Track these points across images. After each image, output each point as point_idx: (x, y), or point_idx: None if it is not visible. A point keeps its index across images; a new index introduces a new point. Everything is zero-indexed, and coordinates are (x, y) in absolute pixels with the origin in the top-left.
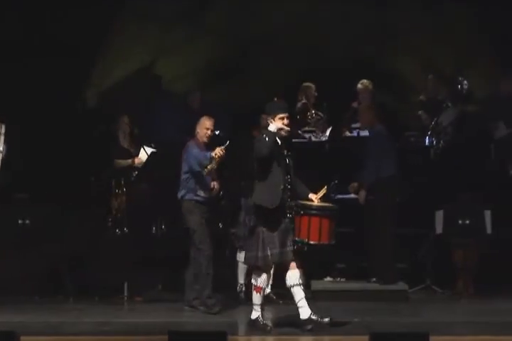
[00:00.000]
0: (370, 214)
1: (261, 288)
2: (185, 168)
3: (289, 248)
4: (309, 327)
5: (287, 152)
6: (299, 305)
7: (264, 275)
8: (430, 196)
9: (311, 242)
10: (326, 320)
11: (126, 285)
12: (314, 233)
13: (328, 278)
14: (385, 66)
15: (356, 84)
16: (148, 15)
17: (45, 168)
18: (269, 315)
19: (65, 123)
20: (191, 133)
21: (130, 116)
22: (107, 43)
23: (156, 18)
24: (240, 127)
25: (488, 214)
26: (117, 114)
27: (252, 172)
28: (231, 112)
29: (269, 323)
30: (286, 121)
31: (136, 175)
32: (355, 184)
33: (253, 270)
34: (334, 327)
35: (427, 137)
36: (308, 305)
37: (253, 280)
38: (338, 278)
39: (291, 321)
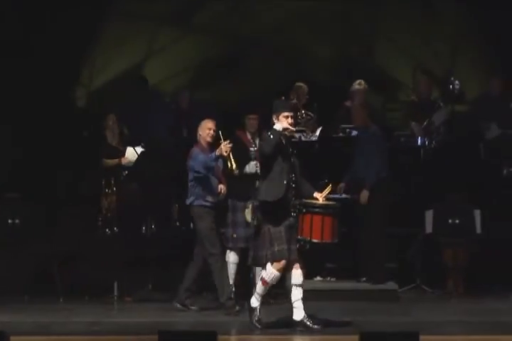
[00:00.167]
0: (363, 214)
1: (267, 283)
2: (191, 175)
3: (295, 246)
4: (300, 329)
5: (292, 151)
6: (294, 305)
7: (275, 272)
8: (420, 196)
9: (314, 241)
10: (317, 327)
11: (116, 284)
12: (317, 231)
13: (318, 278)
14: (374, 65)
15: (344, 83)
16: (138, 15)
17: (35, 168)
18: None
19: (55, 123)
20: (180, 132)
21: (117, 115)
22: (96, 43)
23: (145, 18)
24: (228, 127)
25: (477, 213)
26: (106, 113)
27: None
28: (220, 112)
29: (260, 324)
30: (290, 120)
31: (127, 174)
32: (343, 184)
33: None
34: (325, 327)
35: (419, 137)
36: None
37: (263, 273)
38: (328, 278)
39: (282, 321)
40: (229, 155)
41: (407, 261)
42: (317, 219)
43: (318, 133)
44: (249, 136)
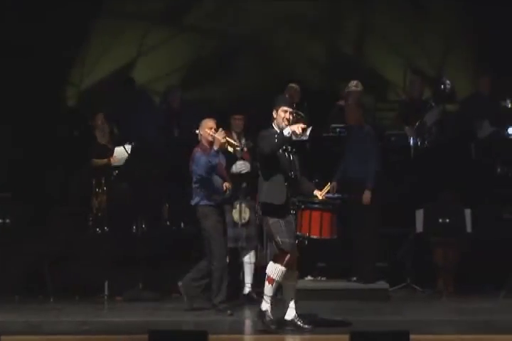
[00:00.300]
0: (356, 214)
1: (273, 280)
2: (194, 177)
3: (294, 242)
4: (290, 328)
5: (291, 149)
6: (286, 305)
7: (280, 267)
8: (411, 195)
9: (313, 237)
10: (308, 327)
11: (106, 284)
12: (315, 227)
13: (309, 277)
14: (364, 65)
15: (334, 83)
16: (128, 14)
17: (25, 167)
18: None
19: (46, 123)
20: (171, 132)
21: (106, 114)
22: (86, 43)
23: (136, 17)
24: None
25: (468, 213)
26: (94, 113)
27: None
28: (211, 112)
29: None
30: (288, 115)
31: (117, 174)
32: (335, 183)
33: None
34: (316, 326)
35: (412, 138)
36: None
37: (268, 271)
38: (319, 277)
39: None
40: (227, 140)
41: (397, 260)
42: (316, 215)
43: (308, 132)
44: (234, 137)
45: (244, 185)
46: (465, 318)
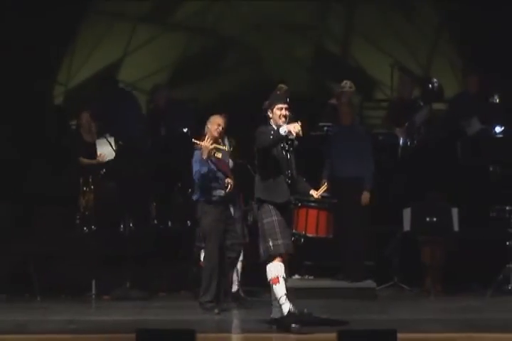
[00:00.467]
0: (346, 213)
1: (277, 278)
2: (195, 174)
3: (289, 241)
4: (276, 327)
5: (288, 147)
6: (274, 303)
7: (274, 264)
8: (398, 194)
9: (308, 235)
10: (295, 326)
11: (94, 283)
12: (311, 225)
13: (296, 276)
14: (350, 64)
15: (321, 82)
16: (115, 13)
17: (12, 166)
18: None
19: (32, 122)
20: (158, 131)
21: (91, 113)
22: (73, 42)
23: (123, 16)
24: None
25: (455, 211)
26: (79, 112)
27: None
28: (199, 111)
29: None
30: (284, 112)
31: (104, 173)
32: (325, 181)
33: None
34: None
35: (402, 139)
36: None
37: (268, 274)
38: (306, 276)
39: (258, 319)
40: (215, 147)
41: (385, 259)
42: (312, 213)
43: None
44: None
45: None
46: (452, 317)
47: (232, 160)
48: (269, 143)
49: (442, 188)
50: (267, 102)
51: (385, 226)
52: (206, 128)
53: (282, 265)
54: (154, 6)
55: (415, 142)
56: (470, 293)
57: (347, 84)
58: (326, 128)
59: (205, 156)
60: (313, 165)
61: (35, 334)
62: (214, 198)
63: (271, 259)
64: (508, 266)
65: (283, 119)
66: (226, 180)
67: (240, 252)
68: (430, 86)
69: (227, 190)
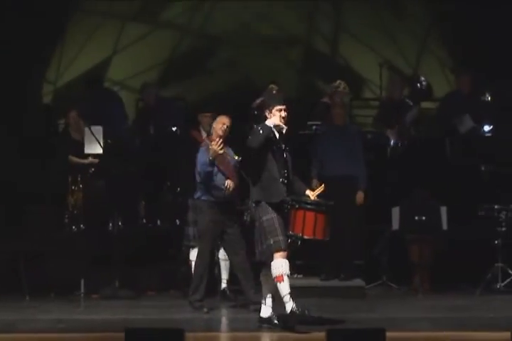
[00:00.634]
0: (343, 213)
1: (282, 276)
2: (199, 173)
3: (286, 238)
4: (266, 326)
5: (285, 146)
6: (263, 302)
7: (278, 262)
8: (387, 193)
9: (305, 237)
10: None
11: (82, 282)
12: (309, 228)
13: None
14: (339, 63)
15: (310, 81)
16: (103, 12)
17: (1, 165)
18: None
19: (20, 120)
20: (147, 130)
21: (78, 111)
22: (62, 40)
23: (111, 15)
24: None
25: (444, 210)
26: (67, 110)
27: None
28: (186, 109)
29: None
30: (283, 113)
31: (93, 172)
32: (318, 182)
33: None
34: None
35: (393, 140)
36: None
37: (273, 272)
38: (296, 275)
39: (246, 317)
40: (223, 153)
41: (373, 257)
42: (310, 215)
43: (284, 130)
44: (204, 135)
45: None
46: (441, 315)
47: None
48: (259, 141)
49: (431, 187)
50: (257, 101)
51: (374, 225)
52: (212, 128)
53: (287, 262)
54: (143, 5)
55: (406, 143)
56: (458, 291)
57: (341, 84)
58: (314, 127)
59: (211, 157)
60: (300, 165)
61: (24, 333)
62: (213, 199)
63: (272, 256)
64: (496, 264)
65: (283, 121)
66: (226, 182)
67: (244, 255)
68: (419, 85)
69: (226, 191)
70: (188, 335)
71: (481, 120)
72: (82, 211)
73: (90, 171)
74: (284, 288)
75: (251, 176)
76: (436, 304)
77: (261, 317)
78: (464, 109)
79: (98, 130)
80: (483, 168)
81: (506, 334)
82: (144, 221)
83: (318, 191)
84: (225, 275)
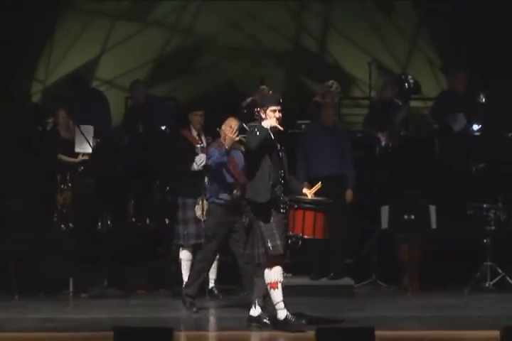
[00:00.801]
0: (334, 212)
1: (276, 283)
2: (211, 165)
3: (284, 242)
4: (255, 325)
5: (280, 146)
6: (254, 301)
7: (274, 268)
8: (376, 191)
9: (305, 237)
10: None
11: (71, 281)
12: (309, 227)
13: None
14: (328, 62)
15: (298, 81)
16: (92, 11)
17: None
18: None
19: (9, 119)
20: (136, 128)
21: (67, 110)
22: (52, 39)
23: (100, 14)
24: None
25: (433, 209)
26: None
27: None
28: (176, 108)
29: (302, 321)
30: (278, 114)
31: (82, 170)
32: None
33: (261, 267)
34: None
35: (384, 142)
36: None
37: (266, 278)
38: (285, 274)
39: (234, 316)
40: (240, 139)
41: (363, 256)
42: (309, 215)
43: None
44: (194, 133)
45: (206, 180)
46: (430, 314)
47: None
48: (256, 143)
49: (420, 186)
50: (247, 100)
51: (363, 224)
52: (221, 131)
53: (281, 269)
54: (131, 4)
55: (396, 143)
56: (447, 290)
57: (334, 84)
58: (303, 126)
59: (227, 146)
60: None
61: (13, 332)
62: (220, 201)
63: (270, 261)
64: (485, 263)
65: (277, 122)
66: (234, 191)
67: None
68: (406, 85)
69: (234, 194)
70: (177, 334)
71: (473, 119)
72: (71, 210)
73: (79, 170)
74: (278, 295)
75: (246, 176)
76: (425, 303)
77: (250, 316)
78: (458, 108)
79: (88, 129)
80: (474, 168)
81: (495, 333)
82: (133, 220)
83: (315, 189)
84: (213, 275)
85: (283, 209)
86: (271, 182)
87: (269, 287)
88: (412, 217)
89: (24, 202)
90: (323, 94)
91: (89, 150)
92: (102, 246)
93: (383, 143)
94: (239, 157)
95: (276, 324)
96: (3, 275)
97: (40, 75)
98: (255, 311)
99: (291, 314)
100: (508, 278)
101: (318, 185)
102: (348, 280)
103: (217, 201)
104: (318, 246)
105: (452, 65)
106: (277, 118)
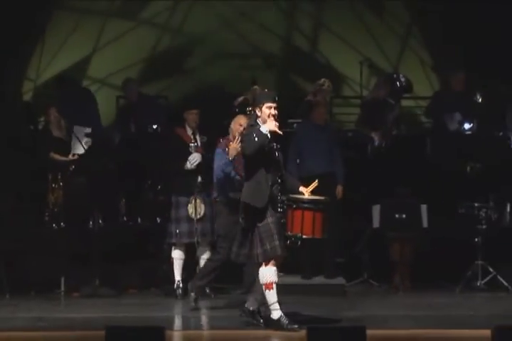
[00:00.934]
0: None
1: (272, 284)
2: (215, 171)
3: (283, 242)
4: (246, 317)
5: (276, 145)
6: (251, 294)
7: (270, 269)
8: (368, 190)
9: (304, 236)
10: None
11: (63, 280)
12: (308, 227)
13: None
14: (320, 60)
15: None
16: (83, 9)
17: None
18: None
19: (0, 119)
20: (127, 127)
21: (58, 109)
22: (43, 38)
23: (91, 12)
24: (176, 122)
25: (424, 208)
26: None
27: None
28: (168, 106)
29: (294, 324)
30: (274, 111)
31: (73, 169)
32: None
33: (258, 267)
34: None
35: (377, 141)
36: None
37: (260, 279)
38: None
39: (226, 315)
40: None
41: (354, 255)
42: (308, 214)
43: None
44: (189, 132)
45: (199, 179)
46: (421, 313)
47: (202, 155)
48: (256, 146)
49: (411, 185)
50: (239, 99)
51: (354, 223)
52: (230, 129)
53: (276, 269)
54: (123, 3)
55: (389, 142)
56: (439, 289)
57: (325, 82)
58: (295, 125)
59: (231, 157)
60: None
61: (4, 331)
62: (228, 199)
63: (267, 262)
64: (476, 262)
65: (272, 118)
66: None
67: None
68: (398, 84)
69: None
70: (169, 333)
71: (468, 118)
72: (62, 209)
73: (71, 169)
74: (272, 296)
75: (245, 178)
76: (416, 302)
77: (247, 308)
78: (454, 107)
79: (80, 130)
80: (468, 168)
81: (486, 332)
82: (125, 219)
83: (311, 187)
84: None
85: (280, 208)
86: (269, 184)
87: (264, 287)
88: (404, 216)
89: (15, 201)
90: (314, 92)
91: (82, 150)
92: (94, 245)
93: (376, 143)
94: None
95: (269, 323)
96: None
97: (31, 74)
98: (253, 305)
99: (285, 315)
100: (499, 277)
101: (315, 183)
102: (339, 279)
103: (224, 200)
104: (310, 245)
105: (444, 65)
106: (273, 115)
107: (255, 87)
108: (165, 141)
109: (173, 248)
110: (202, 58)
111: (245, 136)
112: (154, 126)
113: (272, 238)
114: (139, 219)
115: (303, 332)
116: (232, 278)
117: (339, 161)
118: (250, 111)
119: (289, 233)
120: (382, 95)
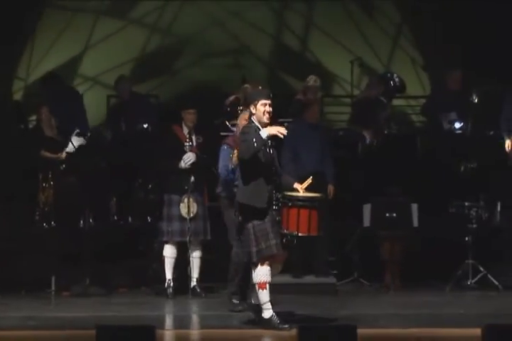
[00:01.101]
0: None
1: (265, 284)
2: (221, 169)
3: (279, 240)
4: (239, 308)
5: (271, 142)
6: (254, 290)
7: (264, 269)
8: (358, 189)
9: (300, 234)
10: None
11: (53, 279)
12: (303, 225)
13: None
14: (310, 59)
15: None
16: (74, 8)
17: None
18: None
19: None
20: (118, 126)
21: (50, 108)
22: (33, 37)
23: (82, 11)
24: (166, 121)
25: (414, 207)
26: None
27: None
28: (159, 105)
29: (286, 323)
30: (268, 108)
31: (64, 168)
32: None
33: (251, 267)
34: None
35: (368, 139)
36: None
37: (254, 278)
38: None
39: (217, 315)
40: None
41: (345, 254)
42: (304, 212)
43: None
44: (185, 131)
45: (192, 178)
46: (411, 312)
47: (197, 155)
48: (253, 151)
49: (402, 184)
50: (230, 98)
51: (345, 222)
52: (236, 125)
53: (270, 269)
54: (114, 2)
55: (380, 140)
56: (429, 288)
57: (312, 78)
58: (286, 124)
59: (234, 165)
60: None
61: None
62: (233, 194)
63: (261, 261)
64: (467, 261)
65: (267, 116)
66: None
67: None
68: (392, 83)
69: None
70: (159, 332)
71: (462, 118)
72: (53, 208)
73: (61, 168)
74: (265, 295)
75: (241, 178)
76: (407, 301)
77: (250, 302)
78: (449, 106)
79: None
80: (462, 167)
81: (477, 331)
82: (115, 218)
83: (306, 184)
84: (195, 274)
85: (275, 205)
86: (267, 183)
87: (257, 287)
88: (394, 214)
89: (6, 201)
90: (303, 90)
91: (72, 149)
92: (84, 244)
93: (367, 141)
94: None
95: (261, 322)
96: None
97: (21, 73)
98: (256, 299)
99: (277, 314)
100: (489, 276)
101: (309, 180)
102: (330, 278)
103: (229, 195)
104: (301, 244)
105: (437, 64)
106: (268, 112)
107: (246, 85)
108: (160, 139)
109: (164, 246)
110: (192, 57)
111: (242, 137)
112: (145, 125)
113: (267, 237)
114: (130, 219)
115: (294, 332)
116: (222, 277)
117: (330, 161)
118: (241, 110)
119: (284, 231)
120: (374, 94)
